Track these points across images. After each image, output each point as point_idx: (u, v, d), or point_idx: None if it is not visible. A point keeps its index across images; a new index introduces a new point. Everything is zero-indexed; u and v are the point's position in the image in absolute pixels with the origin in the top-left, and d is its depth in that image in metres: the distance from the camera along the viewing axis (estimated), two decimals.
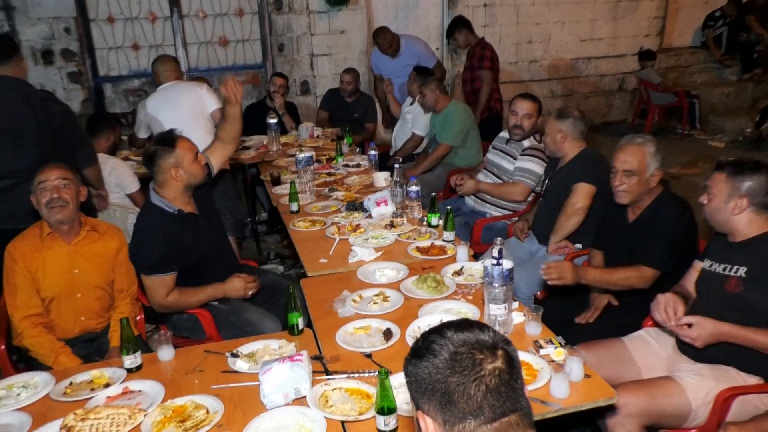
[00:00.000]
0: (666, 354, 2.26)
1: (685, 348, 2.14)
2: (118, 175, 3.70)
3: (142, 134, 4.25)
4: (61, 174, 2.42)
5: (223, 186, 3.87)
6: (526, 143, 3.48)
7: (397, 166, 3.19)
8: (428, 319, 2.14)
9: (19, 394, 1.89)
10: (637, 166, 2.40)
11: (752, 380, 2.03)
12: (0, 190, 2.99)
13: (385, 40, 5.33)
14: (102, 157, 3.66)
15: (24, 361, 2.53)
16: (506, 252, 2.91)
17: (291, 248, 4.70)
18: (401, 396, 1.68)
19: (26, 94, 3.09)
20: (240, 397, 1.81)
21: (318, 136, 5.04)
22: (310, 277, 2.60)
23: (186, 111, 3.83)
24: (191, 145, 2.63)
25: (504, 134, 3.70)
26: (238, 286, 2.66)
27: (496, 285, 1.92)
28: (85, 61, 6.28)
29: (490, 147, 3.76)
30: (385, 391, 1.60)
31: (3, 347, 2.49)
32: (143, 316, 2.73)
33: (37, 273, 2.42)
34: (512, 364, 1.05)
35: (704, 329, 1.95)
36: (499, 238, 2.04)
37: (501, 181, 3.56)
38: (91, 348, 2.56)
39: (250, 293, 2.69)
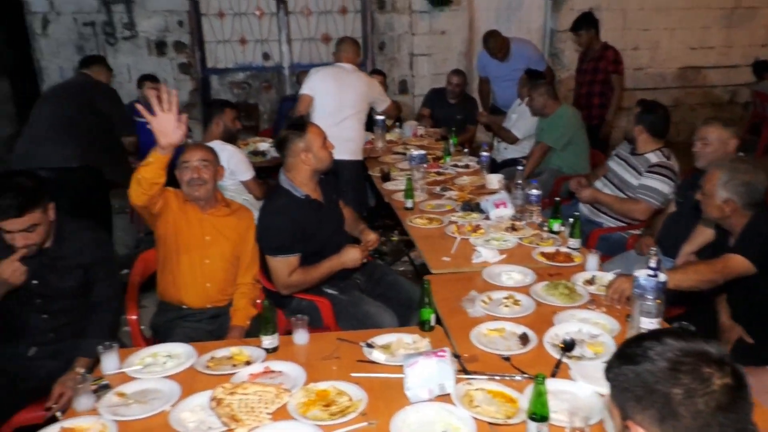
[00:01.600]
0: None
1: None
2: (234, 162, 3.79)
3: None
4: (202, 155, 2.55)
5: (349, 177, 3.96)
6: (653, 158, 3.29)
7: (519, 168, 3.12)
8: (566, 327, 2.06)
9: (165, 363, 1.95)
10: (707, 188, 2.31)
11: None
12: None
13: (496, 44, 5.24)
14: (218, 144, 3.78)
15: (154, 331, 2.64)
16: (623, 265, 2.83)
17: (388, 244, 4.73)
18: (549, 404, 1.61)
19: (87, 84, 4.05)
20: (380, 388, 1.80)
21: (422, 135, 5.02)
22: (434, 275, 2.57)
23: (350, 98, 3.98)
24: (320, 131, 2.71)
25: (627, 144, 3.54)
26: (354, 256, 2.64)
27: (650, 297, 1.82)
28: (195, 53, 6.55)
29: (613, 154, 3.60)
30: (540, 396, 1.54)
31: (135, 317, 2.60)
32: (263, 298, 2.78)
33: (177, 219, 2.54)
34: (742, 382, 0.98)
35: None
36: (653, 249, 1.93)
37: (622, 194, 3.40)
38: (215, 324, 2.62)
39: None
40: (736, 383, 0.96)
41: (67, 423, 1.64)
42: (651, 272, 1.81)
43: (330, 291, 2.74)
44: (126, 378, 1.88)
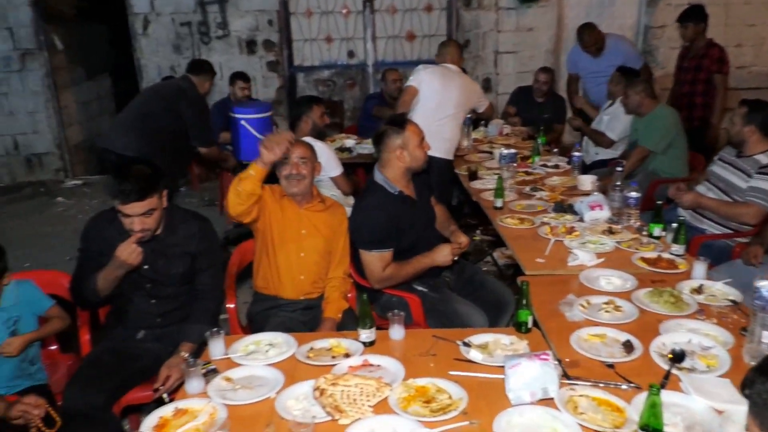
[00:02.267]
0: None
1: None
2: (324, 158, 3.86)
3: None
4: (302, 153, 2.61)
5: (439, 175, 3.95)
6: (764, 159, 3.09)
7: (618, 169, 3.01)
8: (674, 337, 1.97)
9: (267, 351, 2.01)
10: None
11: None
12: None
13: (590, 37, 5.07)
14: (308, 141, 3.86)
15: (252, 324, 2.73)
16: (730, 275, 2.66)
17: (471, 243, 4.69)
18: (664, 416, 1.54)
19: (179, 89, 4.29)
20: (479, 387, 1.78)
21: (508, 134, 4.94)
22: (528, 276, 2.52)
23: (454, 98, 4.02)
24: (419, 130, 2.71)
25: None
26: (446, 254, 2.64)
27: None
28: (283, 52, 6.73)
29: (716, 159, 3.40)
30: (653, 408, 1.48)
31: (233, 305, 2.71)
32: (354, 292, 2.82)
33: (273, 214, 2.61)
34: None
35: None
36: None
37: (728, 199, 3.21)
38: (308, 316, 2.68)
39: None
40: None
41: (181, 404, 1.72)
42: None
43: (420, 288, 2.75)
44: (231, 364, 1.96)
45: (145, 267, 2.36)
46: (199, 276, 2.47)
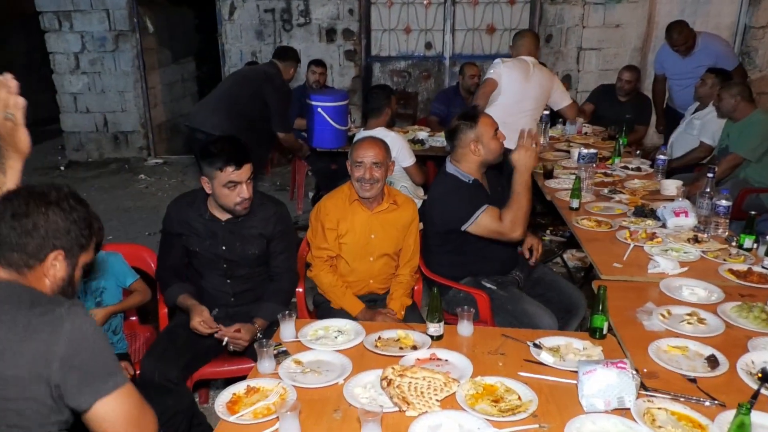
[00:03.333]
0: None
1: None
2: (397, 148, 3.85)
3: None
4: (375, 156, 2.55)
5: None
6: None
7: (710, 175, 2.85)
8: (764, 355, 1.84)
9: (336, 338, 2.03)
10: None
11: None
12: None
13: (680, 35, 4.81)
14: (382, 131, 3.87)
15: (316, 306, 2.78)
16: None
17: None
18: None
19: (266, 74, 4.41)
20: (550, 391, 1.73)
21: (587, 133, 4.77)
22: (603, 281, 2.43)
23: (533, 93, 3.98)
24: (492, 122, 2.68)
25: None
26: (527, 154, 2.61)
27: None
28: (361, 41, 6.77)
29: None
30: (742, 428, 1.40)
31: (302, 290, 2.75)
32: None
33: (340, 230, 2.62)
34: None
35: None
36: None
37: None
38: (373, 308, 2.69)
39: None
40: None
41: (253, 382, 1.76)
42: None
43: (488, 285, 2.71)
44: (301, 347, 1.99)
45: (223, 248, 2.43)
46: (274, 259, 2.52)
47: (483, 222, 2.58)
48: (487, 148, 2.64)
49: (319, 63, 5.49)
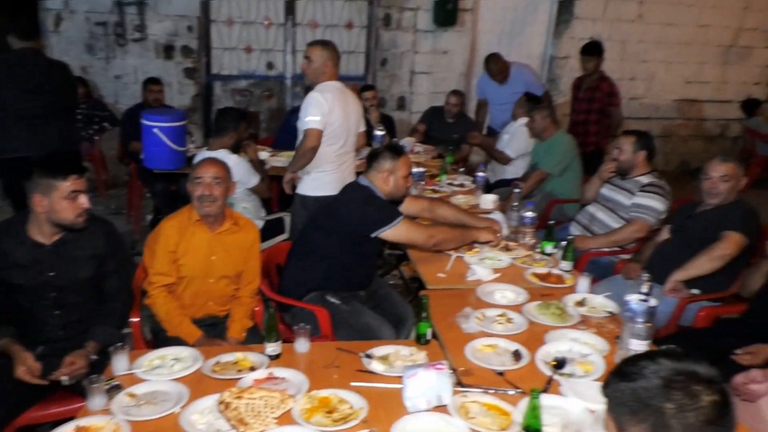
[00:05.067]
0: None
1: None
2: (240, 172, 3.85)
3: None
4: (215, 172, 2.58)
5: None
6: (645, 179, 3.44)
7: (516, 190, 3.23)
8: (557, 345, 2.16)
9: (172, 366, 2.02)
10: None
11: None
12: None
13: (496, 66, 5.38)
14: (224, 154, 3.85)
15: (153, 335, 2.70)
16: (610, 288, 2.93)
17: (380, 258, 4.82)
18: (543, 419, 1.70)
19: (48, 60, 4.28)
20: (379, 397, 1.88)
21: (418, 152, 5.13)
22: (429, 290, 2.66)
23: (353, 117, 3.71)
24: (410, 165, 2.93)
25: None
26: (489, 237, 3.02)
27: (640, 321, 1.93)
28: (201, 59, 6.64)
29: (604, 182, 3.73)
30: (534, 411, 1.64)
31: (137, 320, 2.67)
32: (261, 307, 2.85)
33: (180, 252, 2.59)
34: (728, 400, 1.08)
35: None
36: (646, 274, 2.04)
37: (616, 216, 3.53)
38: (213, 332, 2.69)
39: None
40: (723, 400, 1.07)
41: (83, 422, 1.71)
42: (642, 297, 1.91)
43: (332, 300, 2.82)
44: (136, 379, 1.95)
45: (50, 274, 2.30)
46: (107, 279, 2.44)
47: (401, 230, 2.75)
48: (396, 183, 2.85)
49: (155, 81, 5.31)
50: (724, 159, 2.99)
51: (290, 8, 6.70)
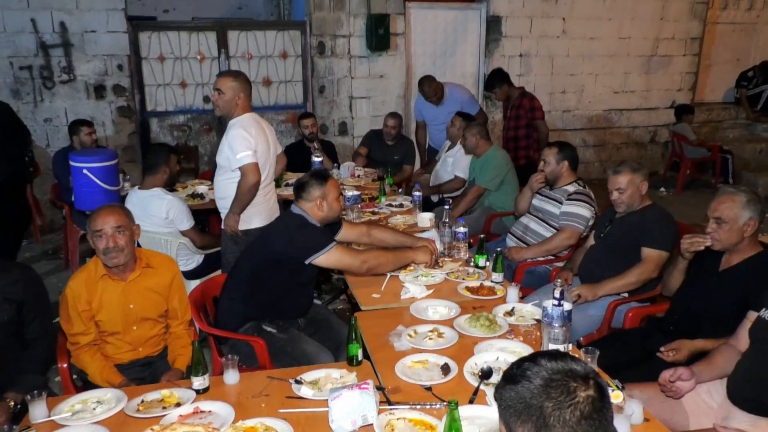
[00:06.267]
0: (717, 403, 2.26)
1: (737, 398, 2.15)
2: (174, 212, 3.80)
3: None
4: (116, 221, 2.44)
5: None
6: (571, 188, 3.56)
7: (446, 207, 3.30)
8: (485, 356, 2.19)
9: (94, 409, 1.96)
10: (727, 215, 2.45)
11: None
12: None
13: (430, 88, 5.51)
14: (159, 193, 3.80)
15: (83, 381, 2.62)
16: (544, 297, 3.00)
17: (328, 283, 4.82)
18: (466, 429, 1.73)
19: None
20: (307, 422, 1.87)
21: (359, 176, 5.18)
22: (363, 311, 2.68)
23: (272, 147, 3.72)
24: (338, 186, 2.93)
25: None
26: (425, 258, 3.04)
27: (557, 325, 1.98)
28: (135, 97, 6.57)
29: (535, 193, 3.84)
30: (454, 421, 1.66)
31: (66, 365, 2.59)
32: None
33: (94, 309, 2.49)
34: (603, 394, 1.12)
35: None
36: (559, 280, 2.11)
37: (547, 226, 3.64)
38: (147, 371, 2.63)
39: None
40: (599, 395, 1.11)
41: None
42: (555, 302, 1.97)
43: (269, 329, 2.80)
44: (55, 426, 1.89)
45: None
46: (28, 325, 2.37)
47: (334, 256, 2.75)
48: (330, 206, 2.85)
49: (85, 123, 5.21)
50: (616, 171, 3.09)
51: (222, 42, 6.73)
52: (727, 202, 2.45)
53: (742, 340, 2.27)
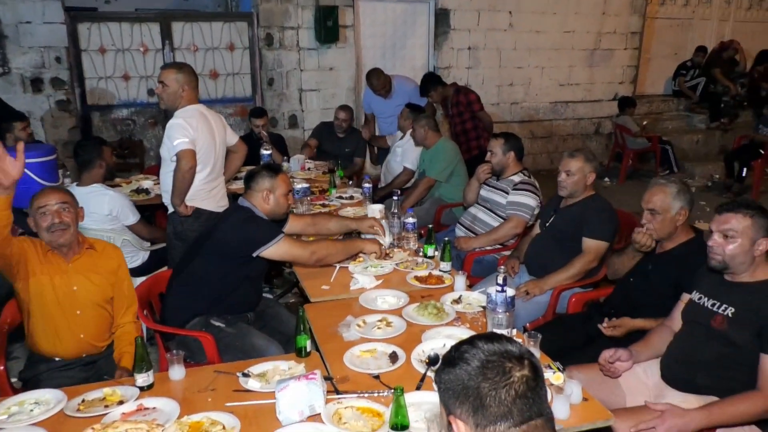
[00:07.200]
0: (652, 382, 2.36)
1: (669, 378, 2.26)
2: (117, 207, 3.70)
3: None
4: (61, 198, 2.44)
5: None
6: (516, 178, 3.64)
7: (395, 198, 3.32)
8: (432, 343, 2.22)
9: (32, 410, 1.90)
10: (660, 206, 2.54)
11: None
12: None
13: (378, 81, 5.52)
14: (99, 189, 3.68)
15: (26, 385, 2.53)
16: (491, 285, 3.07)
17: (280, 277, 4.78)
18: (412, 414, 1.75)
19: None
20: (254, 414, 1.86)
21: (309, 169, 5.15)
22: (312, 303, 2.67)
23: (218, 140, 3.62)
24: (289, 183, 2.91)
25: None
26: (374, 249, 3.02)
27: (500, 311, 2.03)
28: (75, 90, 6.34)
29: (482, 184, 3.91)
30: (399, 408, 1.68)
31: (2, 368, 2.49)
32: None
33: (31, 271, 2.42)
34: (537, 373, 1.16)
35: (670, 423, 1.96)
36: (502, 267, 2.15)
37: (494, 214, 3.71)
38: (90, 371, 2.56)
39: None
40: (533, 374, 1.14)
41: None
42: (499, 288, 2.01)
43: (217, 324, 2.76)
44: None
45: None
46: None
47: (282, 248, 2.70)
48: (277, 201, 2.82)
49: (18, 117, 4.98)
50: (571, 155, 3.17)
51: (166, 33, 6.56)
52: (658, 194, 2.56)
53: (676, 321, 2.37)
